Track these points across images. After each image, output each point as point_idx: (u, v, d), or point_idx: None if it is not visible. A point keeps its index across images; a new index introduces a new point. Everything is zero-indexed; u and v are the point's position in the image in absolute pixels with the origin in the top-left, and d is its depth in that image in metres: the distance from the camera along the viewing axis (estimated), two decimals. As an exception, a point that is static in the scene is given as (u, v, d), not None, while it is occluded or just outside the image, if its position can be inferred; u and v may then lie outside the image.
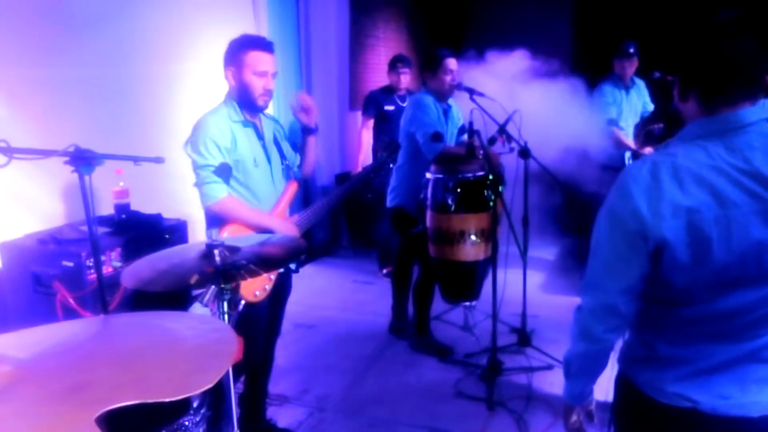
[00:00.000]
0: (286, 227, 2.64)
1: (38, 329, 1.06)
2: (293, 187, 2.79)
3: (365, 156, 5.31)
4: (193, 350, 0.95)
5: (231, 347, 0.95)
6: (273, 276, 2.61)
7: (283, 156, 2.78)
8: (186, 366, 0.89)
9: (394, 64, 5.17)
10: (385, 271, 5.34)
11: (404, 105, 5.21)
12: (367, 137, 5.26)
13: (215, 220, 2.59)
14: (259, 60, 2.55)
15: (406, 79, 5.15)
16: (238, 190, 2.60)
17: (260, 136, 2.68)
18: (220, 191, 2.50)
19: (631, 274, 1.38)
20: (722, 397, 1.37)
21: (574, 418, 1.67)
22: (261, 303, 2.61)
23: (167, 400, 0.79)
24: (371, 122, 5.21)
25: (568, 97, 3.69)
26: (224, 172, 2.50)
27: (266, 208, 2.68)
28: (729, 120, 1.32)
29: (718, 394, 1.37)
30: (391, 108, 5.12)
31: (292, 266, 2.84)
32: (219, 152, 2.49)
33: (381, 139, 5.06)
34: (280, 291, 2.82)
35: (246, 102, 2.59)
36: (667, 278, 1.34)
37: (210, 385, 0.82)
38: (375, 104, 5.17)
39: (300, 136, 2.88)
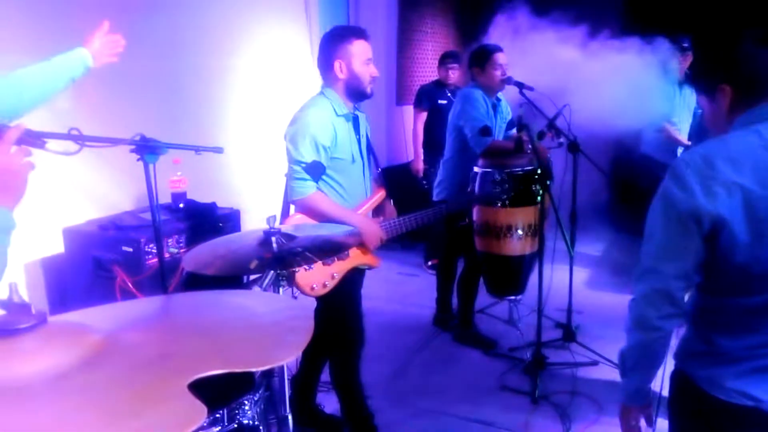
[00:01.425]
0: (370, 227, 2.63)
1: (117, 305, 1.12)
2: (380, 194, 2.78)
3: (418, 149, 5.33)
4: (270, 326, 1.00)
5: (307, 323, 0.99)
6: (337, 275, 2.59)
7: (371, 151, 2.79)
8: (266, 340, 0.94)
9: (444, 59, 5.20)
10: (430, 263, 5.37)
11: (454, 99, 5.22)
12: (421, 131, 5.27)
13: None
14: (364, 49, 2.59)
15: (455, 74, 5.16)
16: (332, 186, 2.60)
17: (357, 130, 2.68)
18: (307, 188, 2.50)
19: (686, 258, 1.38)
20: None
21: (632, 421, 1.61)
22: (338, 298, 2.62)
23: (253, 370, 0.84)
24: (425, 115, 5.23)
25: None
26: (316, 170, 2.50)
27: (355, 204, 2.68)
28: None
29: None
30: (444, 102, 5.13)
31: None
32: (315, 150, 2.49)
33: (433, 134, 5.08)
34: (355, 287, 2.82)
35: (356, 91, 2.60)
36: (728, 260, 1.33)
37: (292, 358, 0.87)
38: (428, 98, 5.19)
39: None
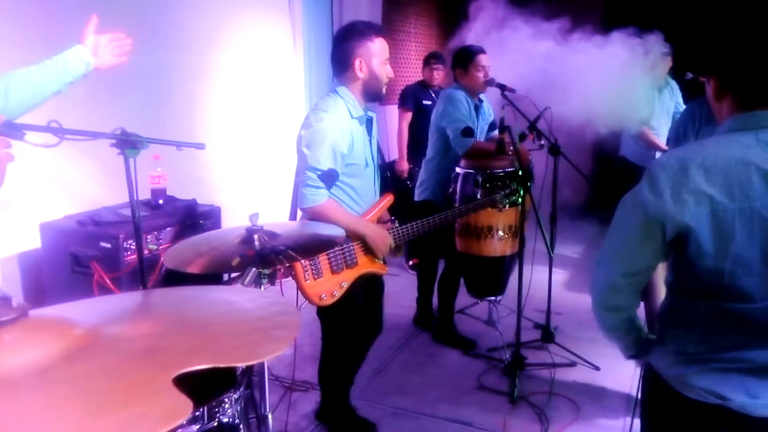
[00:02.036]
0: (379, 234, 2.60)
1: (99, 299, 1.11)
2: (388, 200, 2.74)
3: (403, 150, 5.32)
4: (256, 321, 0.99)
5: (294, 319, 0.99)
6: (345, 284, 2.54)
7: (378, 152, 2.79)
8: (253, 335, 0.93)
9: (428, 60, 5.22)
10: (411, 263, 5.38)
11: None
12: (407, 132, 5.26)
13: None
14: (384, 47, 2.49)
15: (439, 75, 5.18)
16: (345, 190, 2.55)
17: (370, 132, 2.61)
18: (320, 197, 2.42)
19: (641, 258, 1.43)
20: (752, 396, 1.37)
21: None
22: (354, 301, 2.60)
23: (240, 365, 0.83)
24: (410, 115, 5.23)
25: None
26: (330, 177, 2.44)
27: (365, 208, 2.65)
28: (763, 117, 1.33)
29: (748, 392, 1.37)
30: (428, 103, 5.15)
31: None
32: (332, 159, 2.41)
33: (418, 134, 5.09)
34: (374, 287, 2.82)
35: (374, 91, 2.53)
36: (694, 266, 1.36)
37: (278, 354, 0.86)
38: (413, 98, 5.20)
39: None
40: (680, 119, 2.95)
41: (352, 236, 2.55)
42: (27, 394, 0.73)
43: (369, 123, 2.61)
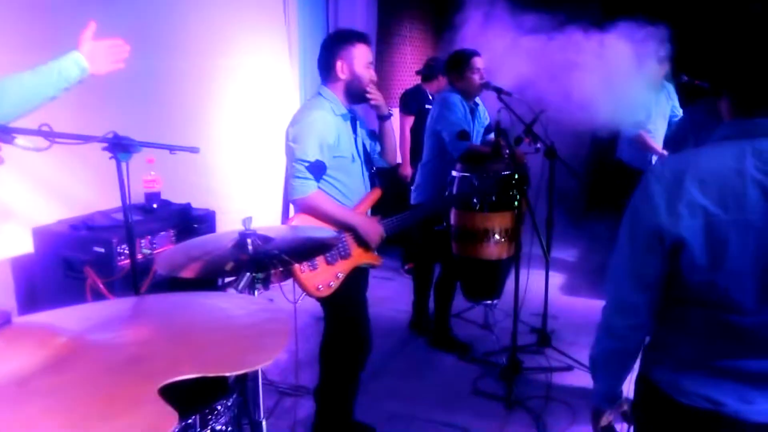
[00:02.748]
0: (370, 225, 2.66)
1: (87, 306, 1.08)
2: (376, 194, 2.79)
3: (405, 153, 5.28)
4: (246, 328, 0.97)
5: (284, 327, 0.97)
6: (341, 275, 2.60)
7: (367, 148, 2.81)
8: (242, 343, 0.91)
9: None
10: (406, 267, 5.36)
11: None
12: (409, 136, 5.22)
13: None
14: (366, 52, 2.64)
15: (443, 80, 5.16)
16: (334, 184, 2.62)
17: (354, 130, 2.71)
18: (309, 187, 2.51)
19: (648, 273, 1.39)
20: (746, 402, 1.35)
21: (604, 422, 1.63)
22: (346, 296, 2.64)
23: (228, 374, 0.81)
24: (411, 119, 5.19)
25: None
26: (318, 169, 2.52)
27: (355, 202, 2.70)
28: (761, 125, 1.29)
29: (741, 398, 1.36)
30: (430, 107, 5.13)
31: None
32: (319, 150, 2.51)
33: (420, 138, 5.08)
34: (363, 284, 2.82)
35: (356, 91, 2.64)
36: (687, 278, 1.34)
37: (268, 363, 0.84)
38: (415, 101, 5.15)
39: (376, 124, 2.88)
40: (679, 125, 2.94)
41: (344, 228, 2.61)
42: (5, 406, 0.71)
43: (353, 121, 2.71)
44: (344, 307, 2.71)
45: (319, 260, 2.54)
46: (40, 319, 1.02)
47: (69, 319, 1.01)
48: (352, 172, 2.67)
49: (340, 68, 2.59)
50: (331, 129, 2.55)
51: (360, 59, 2.61)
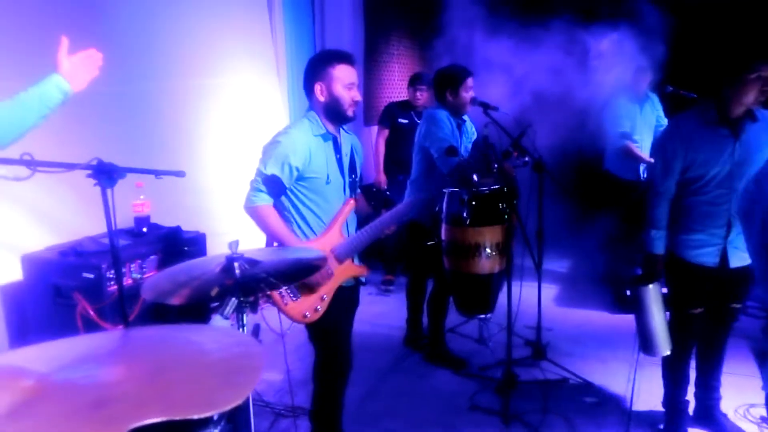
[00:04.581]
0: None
1: (58, 342, 1.05)
2: (350, 205, 2.75)
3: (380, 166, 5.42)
4: (218, 364, 0.95)
5: (257, 362, 0.96)
6: (326, 296, 2.60)
7: (353, 171, 2.79)
8: (212, 381, 0.89)
9: (413, 81, 5.25)
10: (383, 280, 5.44)
11: (417, 121, 5.27)
12: (382, 147, 5.38)
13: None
14: (347, 73, 2.61)
15: (422, 96, 5.21)
16: (307, 204, 2.61)
17: (338, 150, 2.69)
18: (259, 199, 2.53)
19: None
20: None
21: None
22: (332, 319, 2.63)
23: (195, 417, 0.80)
24: (386, 132, 5.32)
25: None
26: (273, 184, 2.53)
27: (327, 225, 2.66)
28: None
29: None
30: (405, 121, 5.20)
31: (362, 278, 2.84)
32: (280, 167, 2.51)
33: (393, 152, 5.18)
34: (349, 305, 2.81)
35: (336, 114, 2.62)
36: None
37: (238, 402, 0.83)
38: (390, 116, 5.29)
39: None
40: (664, 137, 2.97)
41: (323, 248, 2.56)
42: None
43: (335, 141, 2.68)
44: (327, 334, 2.69)
45: (301, 287, 2.54)
46: (9, 359, 1.00)
47: (39, 358, 0.98)
48: (327, 194, 2.63)
49: (319, 91, 2.60)
50: (301, 150, 2.53)
51: (339, 80, 2.59)
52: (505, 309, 3.34)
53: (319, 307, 2.58)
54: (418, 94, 5.19)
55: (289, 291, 2.53)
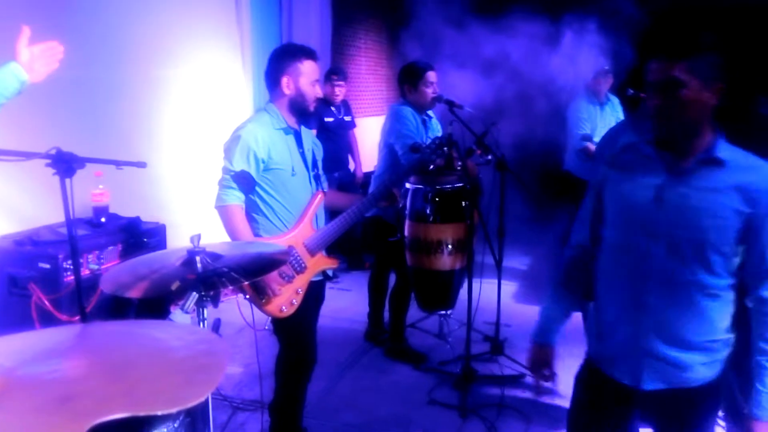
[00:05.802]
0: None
1: (20, 336, 1.04)
2: (318, 198, 2.75)
3: None
4: (181, 361, 0.95)
5: (220, 359, 0.96)
6: (301, 290, 2.62)
7: (316, 166, 2.80)
8: (176, 378, 0.90)
9: (329, 76, 5.22)
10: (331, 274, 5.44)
11: (341, 116, 5.29)
12: None
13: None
14: (313, 69, 2.63)
15: (341, 91, 5.21)
16: (274, 197, 2.60)
17: (300, 144, 2.70)
18: (229, 197, 2.53)
19: None
20: None
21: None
22: (299, 314, 2.63)
23: (159, 413, 0.80)
24: (313, 133, 5.21)
25: None
26: (243, 180, 2.52)
27: (295, 218, 2.67)
28: None
29: None
30: (330, 120, 5.20)
31: (329, 273, 2.85)
32: (246, 161, 2.51)
33: (325, 150, 5.15)
34: (314, 300, 2.81)
35: (299, 108, 2.64)
36: None
37: (201, 399, 0.83)
38: (316, 115, 5.15)
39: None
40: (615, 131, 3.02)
41: (295, 242, 2.60)
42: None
43: (297, 135, 2.70)
44: (293, 329, 2.70)
45: (276, 284, 2.53)
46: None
47: (2, 352, 0.97)
48: (293, 187, 2.64)
49: (286, 84, 2.60)
50: (263, 142, 2.54)
51: (306, 76, 2.61)
52: (465, 305, 3.38)
53: (294, 300, 2.59)
54: (336, 89, 5.18)
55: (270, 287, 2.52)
